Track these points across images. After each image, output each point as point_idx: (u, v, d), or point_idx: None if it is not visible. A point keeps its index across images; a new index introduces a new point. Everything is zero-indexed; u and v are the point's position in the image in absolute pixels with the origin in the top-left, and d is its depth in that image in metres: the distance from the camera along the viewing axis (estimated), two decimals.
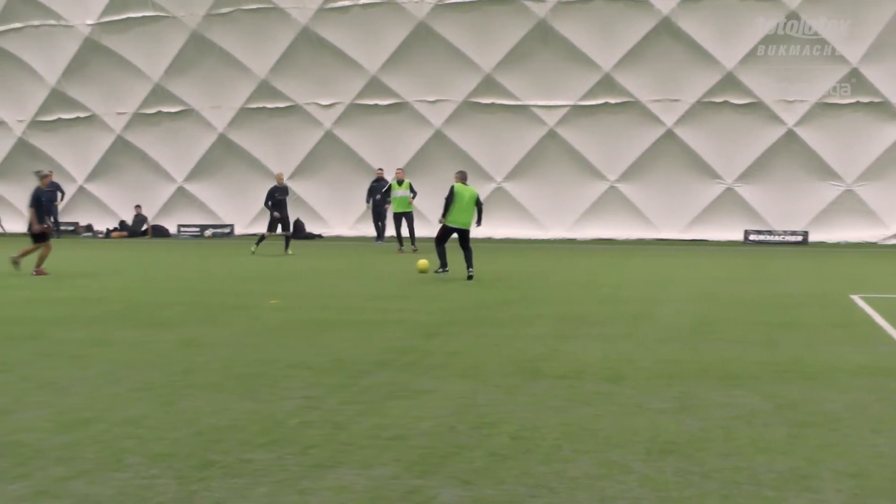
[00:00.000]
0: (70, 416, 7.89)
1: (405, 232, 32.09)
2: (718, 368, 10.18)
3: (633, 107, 36.34)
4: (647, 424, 7.68)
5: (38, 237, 22.39)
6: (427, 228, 30.68)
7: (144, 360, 10.64)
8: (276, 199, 30.63)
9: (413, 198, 32.40)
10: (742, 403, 8.48)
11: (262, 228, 39.89)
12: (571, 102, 36.86)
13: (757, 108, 35.40)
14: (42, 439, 7.17)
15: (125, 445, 6.99)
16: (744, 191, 36.31)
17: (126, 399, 8.57)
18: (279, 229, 30.65)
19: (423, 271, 21.68)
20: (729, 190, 36.38)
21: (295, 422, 7.71)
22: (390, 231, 33.71)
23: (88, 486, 6.07)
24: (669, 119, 36.10)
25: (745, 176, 36.17)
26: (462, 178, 21.66)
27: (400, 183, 32.44)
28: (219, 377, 9.59)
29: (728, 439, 7.26)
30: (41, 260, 22.14)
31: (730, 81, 35.27)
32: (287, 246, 30.15)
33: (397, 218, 32.34)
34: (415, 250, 30.39)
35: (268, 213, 31.10)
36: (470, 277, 20.49)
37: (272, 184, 31.32)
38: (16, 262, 21.91)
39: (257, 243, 30.23)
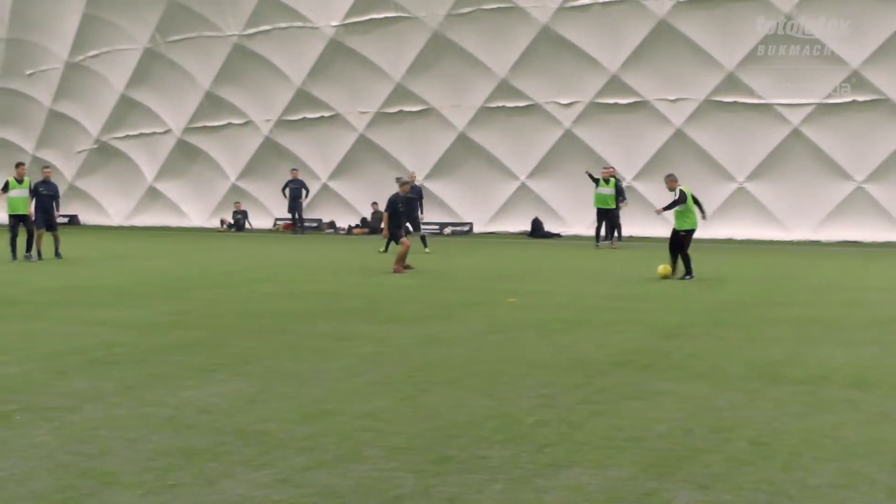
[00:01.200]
0: (312, 408, 8.11)
1: (606, 229, 33.46)
2: None
3: (882, 105, 35.07)
4: (893, 434, 7.40)
5: (395, 237, 23.22)
6: (667, 229, 30.27)
7: (384, 354, 10.85)
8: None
9: (620, 199, 33.63)
10: None
11: (500, 227, 40.23)
12: (817, 100, 35.86)
13: None
14: (285, 429, 7.39)
15: (364, 438, 7.15)
16: None
17: (366, 392, 8.76)
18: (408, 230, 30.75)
19: (664, 277, 20.98)
20: None
21: (531, 420, 7.73)
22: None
23: (329, 477, 6.22)
24: None
25: None
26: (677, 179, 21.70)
27: (607, 181, 33.06)
28: (457, 373, 9.70)
29: None
30: (402, 258, 22.75)
31: None
32: (425, 244, 30.15)
33: (600, 214, 33.32)
34: (612, 247, 32.04)
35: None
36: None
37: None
38: (405, 266, 22.65)
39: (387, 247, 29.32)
